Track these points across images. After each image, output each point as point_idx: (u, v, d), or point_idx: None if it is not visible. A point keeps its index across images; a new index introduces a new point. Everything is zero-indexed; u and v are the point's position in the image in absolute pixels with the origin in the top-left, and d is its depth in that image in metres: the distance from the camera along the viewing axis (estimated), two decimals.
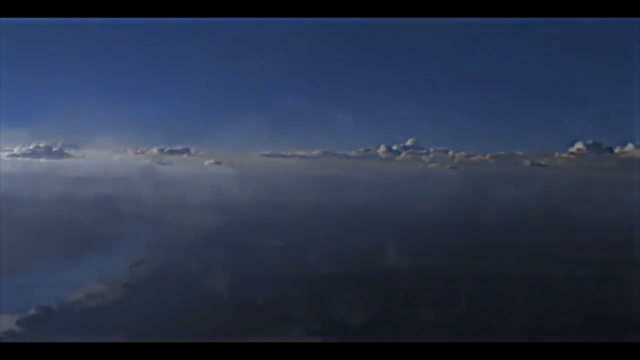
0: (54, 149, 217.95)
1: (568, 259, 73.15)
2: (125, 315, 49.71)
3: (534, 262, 71.39)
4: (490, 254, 76.31)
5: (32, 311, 49.41)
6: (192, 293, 55.98)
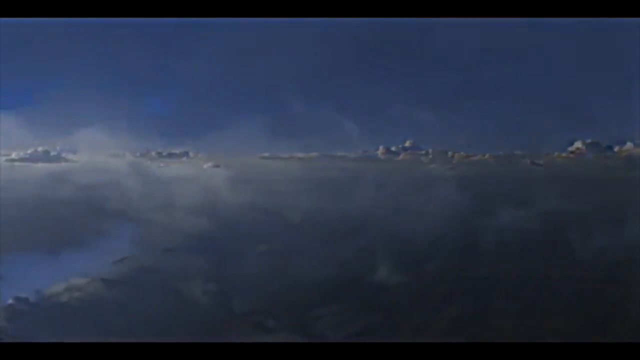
0: (52, 153, 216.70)
1: (569, 258, 73.08)
2: (114, 313, 49.98)
3: (534, 263, 71.20)
4: (491, 254, 75.98)
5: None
6: (172, 295, 55.92)
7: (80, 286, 56.94)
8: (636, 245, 77.44)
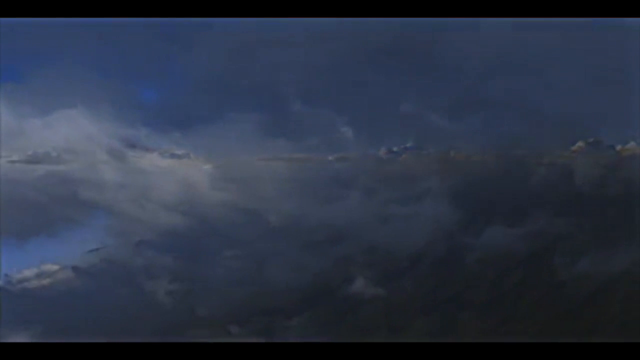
0: (53, 154, 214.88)
1: (570, 258, 71.76)
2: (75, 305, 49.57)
3: (532, 264, 69.35)
4: (491, 255, 73.55)
5: None
6: (138, 292, 54.92)
7: (51, 273, 57.04)
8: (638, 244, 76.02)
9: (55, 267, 59.12)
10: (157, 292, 55.07)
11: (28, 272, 56.36)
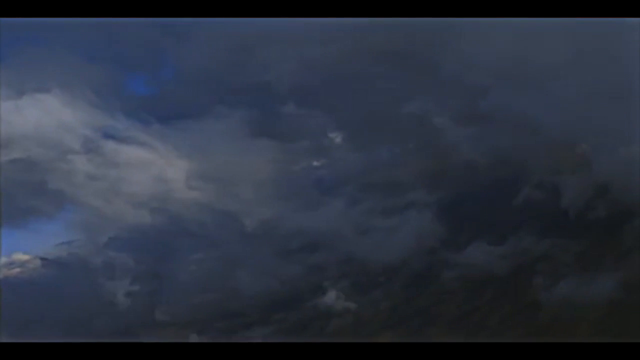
0: (22, 140, 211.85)
1: (569, 258, 71.10)
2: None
3: (526, 264, 67.72)
4: (469, 272, 70.69)
5: None
6: (100, 289, 53.89)
7: (21, 262, 56.85)
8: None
9: (26, 257, 58.93)
10: (120, 291, 53.96)
11: None
